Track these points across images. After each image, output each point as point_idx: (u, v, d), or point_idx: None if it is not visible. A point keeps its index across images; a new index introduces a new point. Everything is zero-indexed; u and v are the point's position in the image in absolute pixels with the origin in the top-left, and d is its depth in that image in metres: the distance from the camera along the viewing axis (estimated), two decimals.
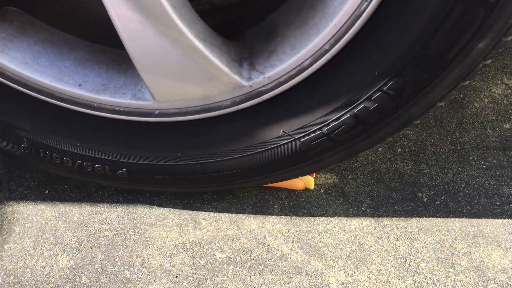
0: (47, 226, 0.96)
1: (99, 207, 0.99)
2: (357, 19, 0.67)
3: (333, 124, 0.77)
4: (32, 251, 0.92)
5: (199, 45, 0.71)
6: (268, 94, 0.77)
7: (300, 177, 0.97)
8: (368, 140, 0.79)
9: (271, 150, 0.82)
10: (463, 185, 0.99)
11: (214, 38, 0.75)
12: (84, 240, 0.93)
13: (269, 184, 0.97)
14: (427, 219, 0.94)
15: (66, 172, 0.94)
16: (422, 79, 0.69)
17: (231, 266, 0.88)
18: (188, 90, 0.78)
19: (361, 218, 0.94)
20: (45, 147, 0.90)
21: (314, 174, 1.00)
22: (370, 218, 0.94)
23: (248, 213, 0.96)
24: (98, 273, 0.88)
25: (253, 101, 0.78)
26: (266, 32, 0.81)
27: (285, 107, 0.78)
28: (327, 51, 0.71)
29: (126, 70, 0.84)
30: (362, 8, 0.66)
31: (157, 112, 0.82)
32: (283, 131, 0.80)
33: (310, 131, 0.79)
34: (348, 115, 0.75)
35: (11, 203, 1.00)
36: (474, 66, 0.68)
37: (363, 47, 0.70)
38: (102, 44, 0.88)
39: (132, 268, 0.88)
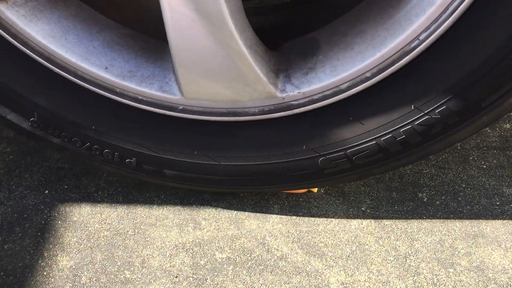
0: (47, 226, 0.96)
1: (99, 207, 0.99)
2: (405, 55, 0.68)
3: (356, 148, 0.78)
4: (32, 251, 0.92)
5: (245, 51, 0.72)
6: (298, 109, 0.77)
7: None
8: (383, 167, 0.80)
9: (290, 162, 0.83)
10: (463, 185, 0.99)
11: (258, 46, 0.76)
12: (83, 240, 0.93)
13: None
14: (427, 219, 0.93)
15: (71, 152, 0.92)
16: (453, 120, 0.71)
17: (231, 266, 0.88)
18: (219, 92, 0.78)
19: (361, 218, 0.94)
20: (56, 125, 0.88)
21: None
22: (370, 218, 0.94)
23: (248, 213, 0.96)
24: (98, 273, 0.88)
25: (282, 113, 0.78)
26: (306, 48, 0.81)
27: (312, 123, 0.79)
28: (368, 78, 0.72)
29: (155, 60, 0.83)
30: (413, 45, 0.67)
31: (180, 107, 0.81)
32: (305, 146, 0.80)
33: (332, 151, 0.79)
34: (374, 142, 0.76)
35: (11, 203, 1.00)
36: (500, 116, 0.70)
37: (404, 80, 0.71)
38: (134, 30, 0.86)
39: (132, 268, 0.88)
